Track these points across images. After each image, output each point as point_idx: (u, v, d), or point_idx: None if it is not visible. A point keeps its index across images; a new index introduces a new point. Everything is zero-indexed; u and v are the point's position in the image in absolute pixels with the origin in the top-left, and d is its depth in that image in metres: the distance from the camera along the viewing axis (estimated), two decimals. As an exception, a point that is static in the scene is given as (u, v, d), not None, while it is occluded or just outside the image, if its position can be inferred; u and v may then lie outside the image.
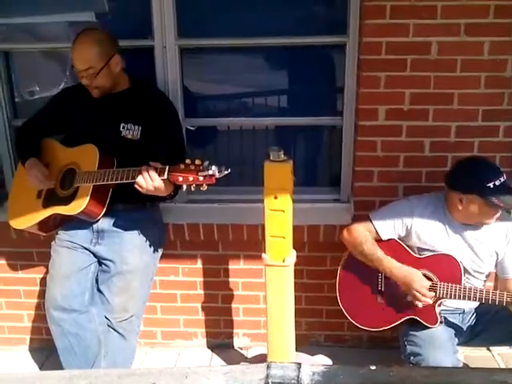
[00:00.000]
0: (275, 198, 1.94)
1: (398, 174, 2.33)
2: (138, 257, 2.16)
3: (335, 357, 2.50)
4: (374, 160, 2.31)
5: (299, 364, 0.98)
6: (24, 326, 2.78)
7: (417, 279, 2.00)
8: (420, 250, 2.09)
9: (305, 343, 2.54)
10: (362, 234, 2.09)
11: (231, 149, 2.63)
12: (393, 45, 2.15)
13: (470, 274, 2.06)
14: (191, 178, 1.71)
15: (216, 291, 2.63)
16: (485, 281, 2.13)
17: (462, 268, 2.00)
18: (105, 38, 2.02)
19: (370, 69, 2.20)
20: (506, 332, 2.06)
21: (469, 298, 1.97)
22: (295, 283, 2.11)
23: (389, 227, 2.10)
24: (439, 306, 2.04)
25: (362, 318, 2.18)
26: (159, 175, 1.77)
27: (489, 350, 2.55)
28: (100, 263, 2.19)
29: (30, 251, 2.64)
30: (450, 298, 2.00)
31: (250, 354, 2.67)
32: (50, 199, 2.09)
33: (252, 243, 2.46)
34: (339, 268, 2.23)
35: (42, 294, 2.62)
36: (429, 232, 2.06)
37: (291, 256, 2.04)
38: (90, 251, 2.16)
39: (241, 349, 2.71)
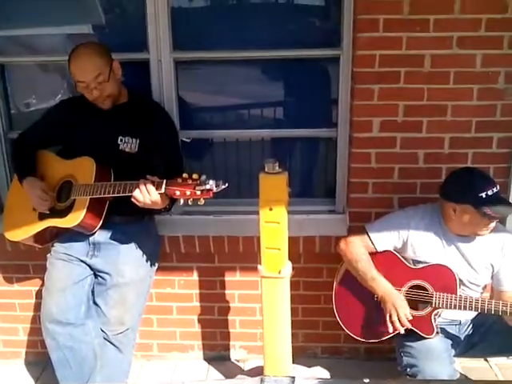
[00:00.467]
0: (270, 209, 1.95)
1: (393, 186, 2.34)
2: (134, 269, 2.16)
3: (332, 369, 2.50)
4: (369, 171, 2.32)
5: (293, 378, 0.99)
6: (19, 340, 2.76)
7: (403, 308, 2.01)
8: (415, 261, 2.10)
9: (302, 355, 2.54)
10: (359, 251, 2.10)
11: (227, 161, 2.64)
12: (386, 57, 2.17)
13: (465, 285, 2.06)
14: (188, 193, 1.72)
15: (212, 303, 2.62)
16: (481, 293, 2.13)
17: (457, 278, 2.00)
18: (100, 46, 2.05)
19: (363, 81, 2.22)
20: (503, 342, 2.07)
21: (464, 308, 1.97)
22: (291, 295, 2.12)
23: (385, 239, 2.11)
24: (435, 316, 2.04)
25: (358, 329, 2.17)
26: (156, 189, 1.78)
27: (486, 360, 2.55)
28: (96, 276, 2.19)
29: (26, 264, 2.63)
30: (446, 307, 2.00)
31: (246, 367, 2.65)
32: (46, 211, 2.09)
33: (248, 255, 2.46)
34: (335, 279, 2.23)
35: (37, 307, 2.62)
36: (424, 244, 2.07)
37: (287, 267, 2.04)
38: (85, 264, 2.16)
39: (237, 361, 2.70)
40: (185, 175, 1.74)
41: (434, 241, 2.07)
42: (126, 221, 2.13)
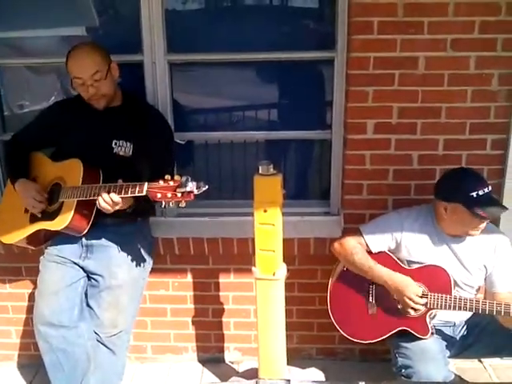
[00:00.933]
0: (265, 211, 1.95)
1: (387, 187, 2.34)
2: (127, 271, 2.15)
3: (327, 370, 2.50)
4: (363, 173, 2.33)
5: (288, 381, 0.98)
6: (12, 342, 2.74)
7: (409, 286, 2.00)
8: (410, 262, 2.10)
9: (297, 357, 2.54)
10: (353, 246, 2.10)
11: (221, 163, 2.63)
12: (380, 60, 2.18)
13: (459, 286, 2.07)
14: (169, 195, 1.70)
15: (206, 305, 2.62)
16: (475, 294, 2.14)
17: (451, 279, 2.01)
18: (100, 46, 2.04)
19: (357, 83, 2.22)
20: (497, 343, 2.08)
21: (459, 308, 1.97)
22: (286, 296, 2.12)
23: (379, 240, 2.11)
24: (430, 317, 2.04)
25: (353, 331, 2.17)
26: (138, 191, 1.76)
27: (480, 361, 2.56)
28: (89, 278, 2.17)
29: (19, 266, 2.62)
30: (441, 308, 2.00)
31: (241, 368, 2.65)
32: (36, 214, 2.08)
33: (242, 257, 2.46)
34: (330, 281, 2.23)
35: (30, 310, 2.59)
36: (418, 245, 2.07)
37: (281, 269, 2.05)
38: (78, 266, 2.14)
39: (232, 363, 2.69)
40: (167, 177, 1.72)
41: (428, 242, 2.08)
42: (119, 222, 2.11)
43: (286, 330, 2.17)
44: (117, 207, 1.87)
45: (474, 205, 1.90)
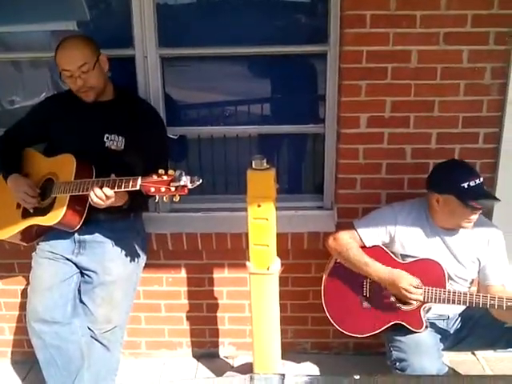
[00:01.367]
0: (258, 206, 1.95)
1: (381, 181, 2.35)
2: (120, 267, 2.14)
3: (322, 364, 2.50)
4: (357, 167, 2.33)
5: (283, 375, 0.98)
6: (5, 339, 2.73)
7: (404, 278, 2.00)
8: (403, 256, 2.10)
9: (291, 351, 2.55)
10: (348, 241, 2.10)
11: (214, 157, 2.62)
12: (373, 53, 2.17)
13: (453, 279, 2.08)
14: (163, 189, 1.70)
15: (201, 300, 2.61)
16: (469, 287, 2.15)
17: (445, 273, 2.01)
18: (88, 38, 2.03)
19: (350, 77, 2.22)
20: (490, 336, 2.09)
21: (453, 302, 1.98)
22: (280, 291, 2.12)
23: (373, 234, 2.12)
24: (424, 310, 2.05)
25: (347, 325, 2.18)
26: (132, 186, 1.75)
27: (473, 353, 2.57)
28: (82, 274, 2.16)
29: (11, 262, 2.60)
30: (435, 301, 2.00)
31: (235, 363, 2.65)
32: (29, 210, 2.06)
33: (236, 251, 2.45)
34: (324, 275, 2.23)
35: (23, 306, 2.56)
36: (412, 239, 2.08)
37: (275, 264, 2.04)
38: (71, 262, 2.13)
39: (226, 358, 2.69)
40: (160, 171, 1.71)
41: (421, 235, 2.08)
42: (112, 218, 2.10)
43: (281, 325, 2.17)
44: (109, 202, 1.85)
45: (465, 196, 1.91)
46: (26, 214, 2.08)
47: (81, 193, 1.89)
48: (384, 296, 2.09)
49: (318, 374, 2.41)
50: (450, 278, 2.05)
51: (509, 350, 2.24)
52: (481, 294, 1.96)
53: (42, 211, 2.02)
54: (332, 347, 2.66)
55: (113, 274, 2.12)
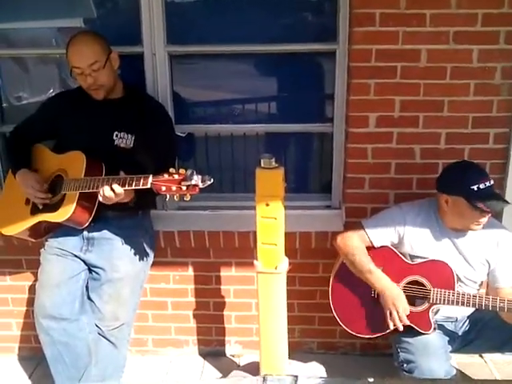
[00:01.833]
0: (267, 205, 1.94)
1: (389, 181, 2.33)
2: (128, 264, 2.15)
3: (328, 364, 2.49)
4: (365, 167, 2.32)
5: (296, 376, 0.97)
6: (13, 335, 2.74)
7: (401, 302, 2.01)
8: (412, 257, 2.09)
9: (297, 350, 2.54)
10: (356, 245, 2.09)
11: (222, 155, 2.62)
12: (382, 52, 2.16)
13: (462, 281, 2.06)
14: (174, 188, 1.69)
15: (207, 298, 2.61)
16: (478, 290, 2.13)
17: (454, 274, 2.00)
18: (100, 35, 2.03)
19: (359, 76, 2.21)
20: (499, 339, 2.07)
21: (462, 304, 1.96)
22: (287, 290, 2.12)
23: (381, 235, 2.10)
24: (433, 312, 2.04)
25: (355, 325, 2.16)
26: (142, 184, 1.75)
27: (481, 356, 2.55)
28: (90, 271, 2.17)
29: (19, 258, 2.61)
30: (444, 303, 1.99)
31: (242, 362, 2.65)
32: (37, 206, 2.07)
33: (244, 250, 2.44)
34: (332, 274, 2.22)
35: (30, 302, 2.60)
36: (421, 240, 2.06)
37: (283, 263, 2.04)
38: (80, 259, 2.14)
39: (233, 356, 2.69)
40: (171, 170, 1.71)
41: (431, 236, 2.06)
42: (120, 215, 2.11)
43: (288, 324, 2.16)
44: (117, 199, 1.85)
45: (474, 198, 1.90)
46: (34, 211, 2.09)
47: (91, 190, 1.89)
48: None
49: (325, 374, 2.41)
50: (459, 279, 2.03)
51: (517, 352, 2.23)
52: (490, 297, 1.95)
53: (52, 208, 2.03)
54: (339, 347, 2.65)
55: (120, 272, 2.13)
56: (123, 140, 2.06)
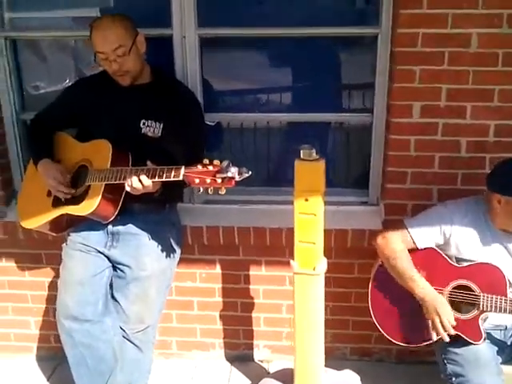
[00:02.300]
0: (306, 200, 1.80)
1: (433, 176, 2.18)
2: (155, 261, 2.02)
3: (362, 372, 2.33)
4: (407, 160, 2.17)
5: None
6: (31, 333, 2.64)
7: (446, 310, 1.86)
8: (459, 260, 1.94)
9: (330, 356, 2.37)
10: (398, 248, 1.94)
11: (252, 146, 2.49)
12: (429, 36, 2.01)
13: (513, 287, 1.90)
14: (208, 181, 1.56)
15: (235, 299, 2.48)
16: None
17: (506, 278, 1.84)
18: (125, 18, 1.90)
19: (404, 62, 2.06)
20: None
21: None
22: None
23: (426, 235, 1.95)
24: (483, 320, 1.88)
25: (397, 333, 2.01)
26: (174, 176, 1.62)
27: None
28: (114, 268, 2.05)
29: (39, 253, 2.51)
30: (495, 311, 1.84)
31: (271, 368, 2.51)
32: (60, 198, 1.95)
33: (275, 248, 2.32)
34: (371, 276, 2.08)
35: (50, 299, 2.52)
36: (469, 242, 1.91)
37: (322, 263, 1.89)
38: (104, 255, 2.02)
39: (261, 362, 2.56)
40: (205, 161, 1.58)
41: (479, 238, 1.90)
42: (146, 209, 1.99)
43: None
44: (144, 190, 1.73)
45: None
46: (57, 203, 1.97)
47: (117, 182, 1.77)
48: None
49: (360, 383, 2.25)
50: (511, 285, 1.87)
51: None
52: None
53: (75, 200, 1.91)
54: (373, 353, 2.51)
55: (147, 269, 2.00)
56: (151, 128, 1.94)
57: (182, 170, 1.60)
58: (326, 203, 1.85)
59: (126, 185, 1.73)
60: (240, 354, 2.57)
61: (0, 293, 2.59)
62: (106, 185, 1.82)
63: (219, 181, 1.55)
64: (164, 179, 1.66)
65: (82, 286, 2.00)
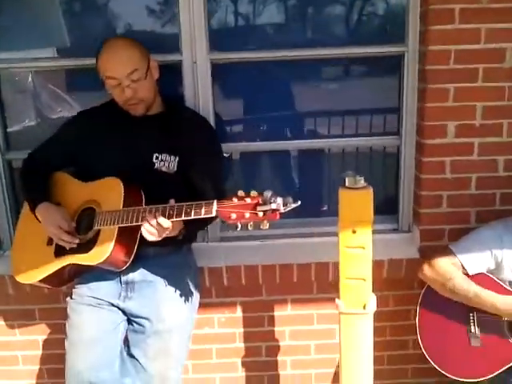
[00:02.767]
0: (353, 232, 1.62)
1: (469, 198, 2.07)
2: (176, 311, 1.80)
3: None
4: (443, 183, 2.04)
5: None
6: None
7: None
8: (513, 284, 1.82)
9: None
10: (450, 269, 1.81)
11: (272, 174, 2.32)
12: (462, 53, 1.92)
13: None
14: (248, 215, 1.36)
15: (259, 343, 2.27)
16: None
17: None
18: (136, 40, 1.71)
19: (436, 81, 1.95)
20: None
21: None
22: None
23: (476, 260, 1.83)
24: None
25: (452, 366, 1.86)
26: (205, 213, 1.42)
27: None
28: (130, 321, 1.80)
29: (31, 308, 2.23)
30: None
31: (302, 418, 2.30)
32: (63, 246, 1.69)
33: (302, 285, 2.14)
34: (418, 307, 1.93)
35: (46, 360, 2.25)
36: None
37: (372, 301, 1.71)
38: (118, 308, 1.78)
39: (290, 408, 2.34)
40: (240, 193, 1.39)
41: None
42: (162, 252, 1.76)
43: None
44: (164, 235, 1.53)
45: None
46: (60, 251, 1.71)
47: (133, 223, 1.54)
48: (499, 330, 1.79)
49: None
50: None
51: None
52: None
53: (82, 247, 1.66)
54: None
55: (168, 321, 1.77)
56: (165, 163, 1.74)
57: (215, 205, 1.40)
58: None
59: (142, 228, 1.51)
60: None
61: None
62: (119, 228, 1.59)
63: (261, 214, 1.35)
64: (193, 216, 1.45)
65: (96, 346, 1.75)
